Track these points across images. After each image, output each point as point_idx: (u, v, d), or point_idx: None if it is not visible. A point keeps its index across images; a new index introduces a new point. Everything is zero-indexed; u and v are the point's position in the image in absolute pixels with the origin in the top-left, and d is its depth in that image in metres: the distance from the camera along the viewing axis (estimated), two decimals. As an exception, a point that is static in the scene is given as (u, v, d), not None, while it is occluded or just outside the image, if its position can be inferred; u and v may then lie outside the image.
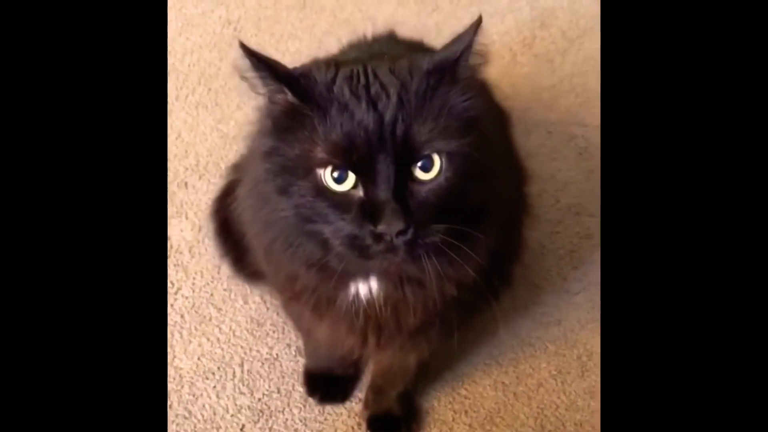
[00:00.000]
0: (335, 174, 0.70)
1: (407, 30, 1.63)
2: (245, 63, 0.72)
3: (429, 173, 0.71)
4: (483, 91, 0.80)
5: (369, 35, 1.10)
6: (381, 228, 0.69)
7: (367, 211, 0.70)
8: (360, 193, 0.71)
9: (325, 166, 0.70)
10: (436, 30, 1.65)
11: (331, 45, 1.58)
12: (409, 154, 0.70)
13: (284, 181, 0.73)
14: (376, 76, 0.72)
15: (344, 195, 0.71)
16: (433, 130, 0.70)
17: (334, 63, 0.76)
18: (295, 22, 1.66)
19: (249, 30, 1.63)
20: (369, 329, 0.87)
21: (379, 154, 0.69)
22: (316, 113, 0.71)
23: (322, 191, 0.71)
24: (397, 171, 0.69)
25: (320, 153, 0.70)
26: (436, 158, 0.71)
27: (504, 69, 1.58)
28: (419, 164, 0.71)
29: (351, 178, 0.71)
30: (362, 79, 0.72)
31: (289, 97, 0.72)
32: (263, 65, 0.72)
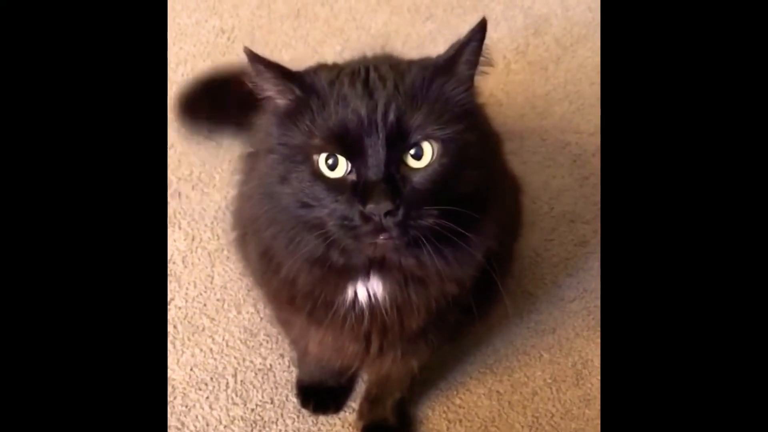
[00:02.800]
0: (329, 161, 0.73)
1: (401, 38, 1.65)
2: (250, 67, 0.75)
3: (420, 161, 0.73)
4: (480, 115, 0.82)
5: (369, 54, 1.10)
6: (369, 208, 0.70)
7: (358, 192, 0.72)
8: (353, 177, 0.73)
9: (319, 152, 0.73)
10: (430, 38, 1.65)
11: (325, 54, 1.58)
12: (401, 139, 0.72)
13: (285, 169, 0.75)
14: (376, 70, 0.76)
15: (338, 180, 0.73)
16: (428, 117, 0.73)
17: (338, 65, 0.80)
18: (289, 31, 1.66)
19: (243, 39, 1.63)
20: (373, 333, 0.87)
21: (370, 137, 0.71)
22: (317, 105, 0.74)
23: (317, 176, 0.74)
24: (389, 155, 0.71)
25: (317, 140, 0.73)
26: (427, 147, 0.73)
27: (498, 76, 1.58)
28: (411, 152, 0.73)
29: (343, 164, 0.73)
30: (363, 74, 0.76)
31: (296, 92, 0.75)
32: (270, 68, 0.75)
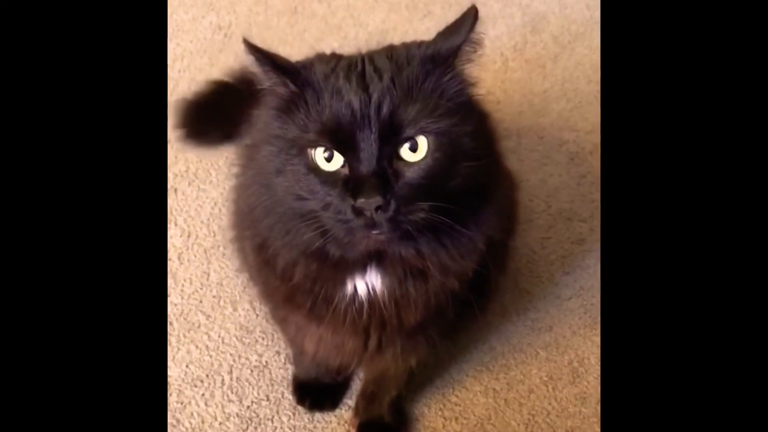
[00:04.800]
0: (326, 154, 0.73)
1: (399, 35, 1.64)
2: (249, 59, 0.75)
3: (416, 154, 0.73)
4: (476, 108, 0.81)
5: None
6: (360, 202, 0.71)
7: (350, 186, 0.72)
8: (346, 170, 0.73)
9: (314, 146, 0.73)
10: (428, 36, 1.64)
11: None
12: (394, 133, 0.72)
13: (281, 161, 0.76)
14: (372, 62, 0.75)
15: (332, 173, 0.73)
16: (422, 111, 0.72)
17: (336, 56, 0.79)
18: (286, 28, 1.66)
19: (240, 36, 1.61)
20: (371, 327, 0.87)
21: (363, 131, 0.71)
22: (312, 99, 0.74)
23: (312, 169, 0.74)
24: (382, 149, 0.71)
25: (311, 134, 0.73)
26: (423, 140, 0.73)
27: (496, 74, 1.58)
28: (407, 145, 0.72)
29: (338, 158, 0.73)
30: (359, 66, 0.75)
31: (291, 87, 0.75)
32: (266, 60, 0.75)
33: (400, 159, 0.72)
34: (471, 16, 0.75)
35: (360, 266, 0.81)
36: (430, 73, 0.74)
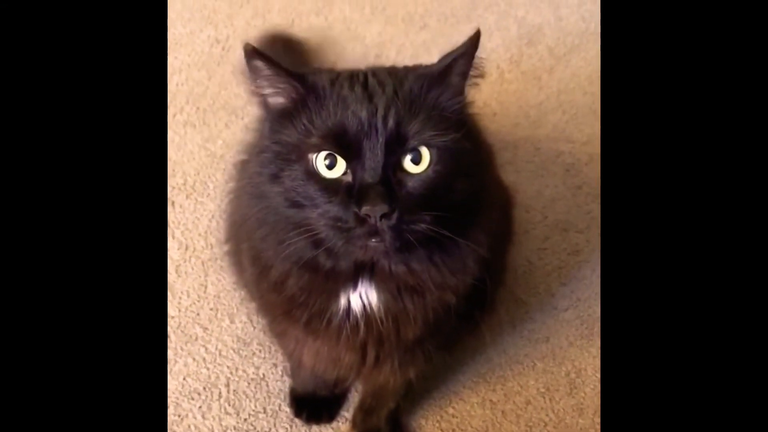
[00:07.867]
0: (327, 161, 0.73)
1: (395, 48, 1.66)
2: (252, 64, 0.75)
3: (419, 166, 0.74)
4: (473, 126, 0.83)
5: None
6: (365, 209, 0.70)
7: (353, 193, 0.72)
8: (348, 178, 0.73)
9: (316, 150, 0.73)
10: (424, 48, 1.66)
11: (319, 64, 1.59)
12: (399, 144, 0.72)
13: (277, 167, 0.75)
14: (374, 75, 0.76)
15: (333, 180, 0.73)
16: (425, 124, 0.73)
17: (334, 70, 0.80)
18: (284, 40, 1.67)
19: (237, 49, 1.63)
20: (369, 343, 0.87)
21: (369, 140, 0.72)
22: (316, 105, 0.74)
23: (312, 175, 0.73)
24: (386, 159, 0.72)
25: (314, 139, 0.73)
26: (426, 152, 0.73)
27: (491, 86, 1.59)
28: (410, 157, 0.73)
29: (341, 165, 0.73)
30: (361, 78, 0.76)
31: (298, 90, 0.75)
32: (272, 64, 0.75)
33: (403, 170, 0.73)
34: (471, 38, 0.76)
35: (351, 279, 0.81)
36: (430, 89, 0.75)
